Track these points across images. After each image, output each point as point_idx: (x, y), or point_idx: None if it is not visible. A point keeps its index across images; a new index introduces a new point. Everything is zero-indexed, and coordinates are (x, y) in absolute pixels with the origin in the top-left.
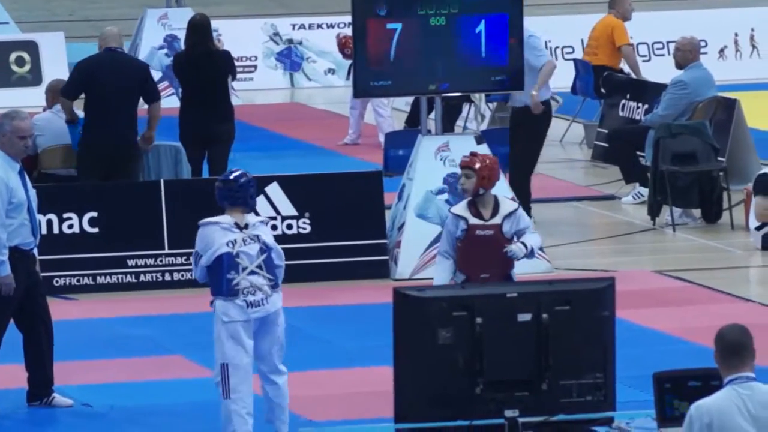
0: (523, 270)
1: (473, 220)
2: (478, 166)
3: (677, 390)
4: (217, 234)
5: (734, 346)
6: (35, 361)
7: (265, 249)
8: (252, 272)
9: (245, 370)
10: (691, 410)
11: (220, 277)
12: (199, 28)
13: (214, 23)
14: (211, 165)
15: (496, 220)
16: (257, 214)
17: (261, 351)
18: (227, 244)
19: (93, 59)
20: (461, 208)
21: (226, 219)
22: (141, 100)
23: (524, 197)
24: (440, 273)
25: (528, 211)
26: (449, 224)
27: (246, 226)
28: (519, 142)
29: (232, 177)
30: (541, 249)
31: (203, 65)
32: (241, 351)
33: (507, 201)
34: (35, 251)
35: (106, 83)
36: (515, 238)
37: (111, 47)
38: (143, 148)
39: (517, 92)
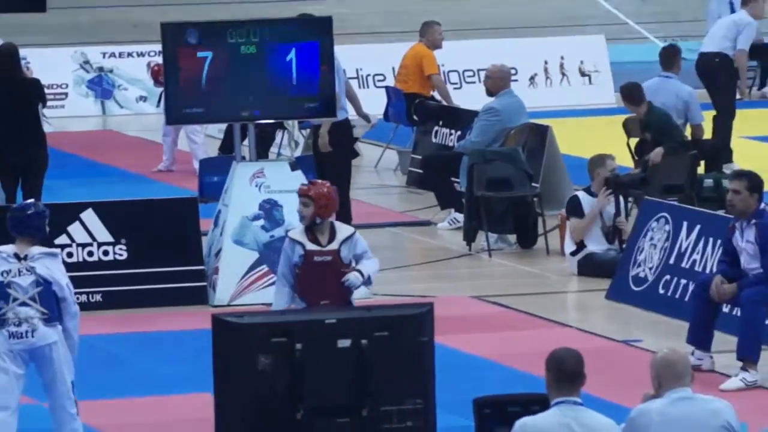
0: None
1: (310, 246)
2: (315, 194)
3: (497, 415)
4: None
5: (571, 375)
6: None
7: (41, 282)
8: (23, 303)
9: (6, 402)
10: (516, 427)
11: None
12: (7, 57)
13: (23, 51)
14: (25, 193)
15: (334, 245)
16: (53, 244)
17: (44, 385)
18: (1, 274)
19: None
20: (298, 233)
21: (7, 249)
22: None
23: (346, 218)
24: (278, 299)
25: None
26: (286, 248)
27: (26, 257)
28: (328, 162)
29: (20, 207)
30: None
31: (12, 93)
32: (4, 378)
33: (343, 226)
34: None
35: None
36: (353, 263)
37: None
38: None
39: None
